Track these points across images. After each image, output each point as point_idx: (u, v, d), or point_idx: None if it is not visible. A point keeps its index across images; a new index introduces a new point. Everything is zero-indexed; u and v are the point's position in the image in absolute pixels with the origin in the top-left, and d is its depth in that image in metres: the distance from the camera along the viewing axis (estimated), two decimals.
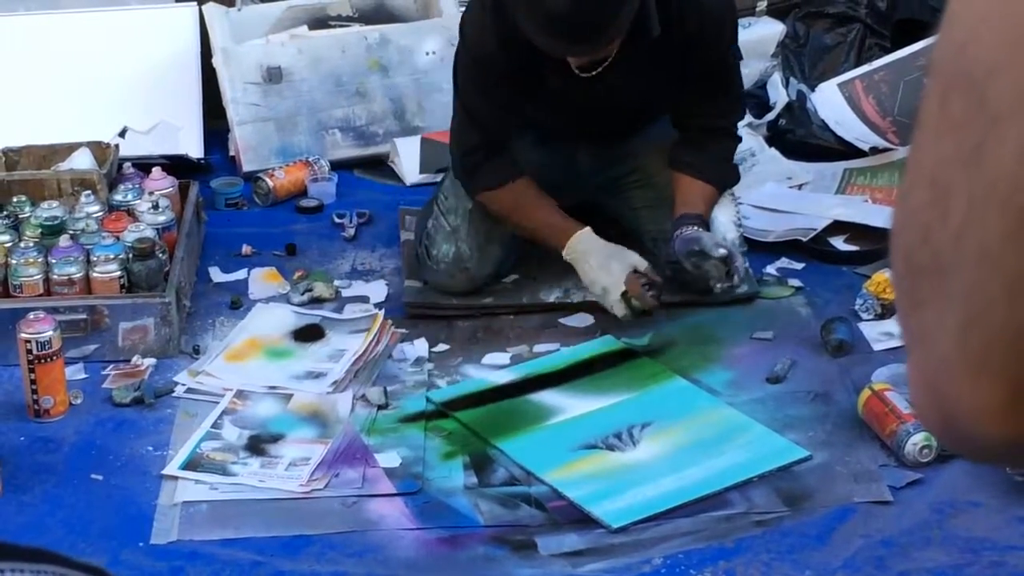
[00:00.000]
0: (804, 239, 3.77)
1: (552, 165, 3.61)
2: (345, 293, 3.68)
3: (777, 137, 4.27)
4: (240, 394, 3.24)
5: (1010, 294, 0.58)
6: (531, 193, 3.47)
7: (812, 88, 4.33)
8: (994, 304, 0.58)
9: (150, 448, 3.09)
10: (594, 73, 3.35)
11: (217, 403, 3.22)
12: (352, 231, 3.96)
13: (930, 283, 0.61)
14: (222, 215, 4.07)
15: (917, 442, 2.91)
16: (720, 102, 3.53)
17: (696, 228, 3.39)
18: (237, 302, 3.63)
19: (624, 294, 3.32)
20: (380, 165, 4.34)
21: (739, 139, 3.65)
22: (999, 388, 0.59)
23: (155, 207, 3.65)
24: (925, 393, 0.63)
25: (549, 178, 3.60)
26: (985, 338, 0.59)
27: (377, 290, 3.69)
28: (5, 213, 3.63)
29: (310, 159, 4.24)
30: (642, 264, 3.35)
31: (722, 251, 3.34)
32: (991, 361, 0.59)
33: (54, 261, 3.42)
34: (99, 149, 3.90)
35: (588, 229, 3.41)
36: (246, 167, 4.28)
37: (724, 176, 3.57)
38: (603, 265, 3.36)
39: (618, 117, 3.54)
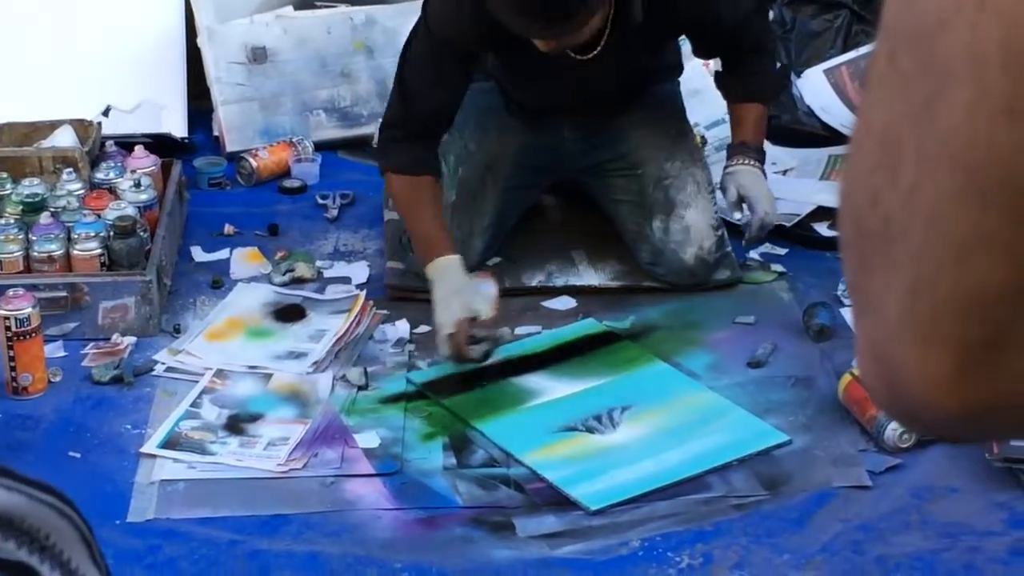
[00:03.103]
0: (788, 224, 3.76)
1: (537, 148, 3.60)
2: (327, 274, 3.67)
3: None
4: (220, 373, 3.23)
5: (959, 257, 0.56)
6: (428, 195, 3.29)
7: (798, 74, 4.32)
8: (942, 268, 0.57)
9: (128, 426, 3.07)
10: (578, 58, 3.33)
11: (197, 382, 3.21)
12: (335, 212, 3.96)
13: (879, 248, 0.59)
14: (205, 195, 4.06)
15: (897, 427, 2.91)
16: (751, 54, 3.54)
17: (748, 163, 3.48)
18: (218, 282, 3.62)
19: (452, 336, 3.13)
20: (364, 146, 4.33)
21: (778, 51, 3.70)
22: (947, 355, 0.58)
23: (137, 185, 3.64)
24: (872, 362, 0.61)
25: (533, 161, 3.60)
26: (933, 303, 0.57)
27: (359, 271, 3.68)
28: None
29: (294, 139, 4.23)
30: (485, 313, 3.15)
31: (738, 216, 3.51)
32: (939, 327, 0.57)
33: (34, 238, 3.40)
34: (81, 127, 3.88)
35: (456, 257, 3.22)
36: (230, 147, 4.26)
37: (769, 90, 3.64)
38: (446, 299, 3.15)
39: (604, 97, 3.53)
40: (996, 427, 0.63)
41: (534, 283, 3.59)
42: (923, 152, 0.57)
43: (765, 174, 3.53)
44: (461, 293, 3.16)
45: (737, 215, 3.53)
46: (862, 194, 0.60)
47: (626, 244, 3.61)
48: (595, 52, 3.31)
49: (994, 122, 0.55)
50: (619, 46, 3.31)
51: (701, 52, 3.67)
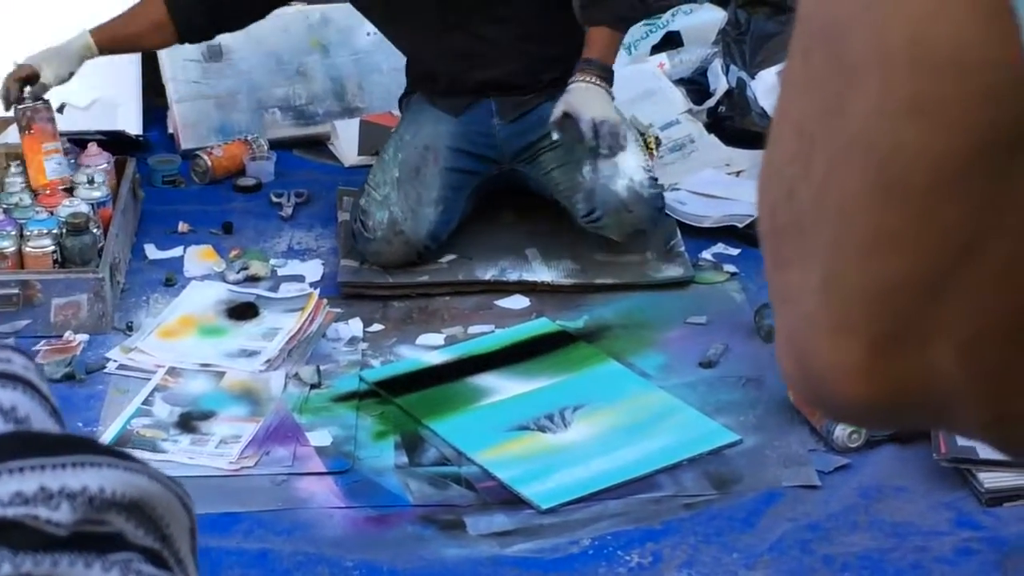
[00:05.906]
0: (740, 225, 3.78)
1: (468, 136, 3.68)
2: (281, 272, 3.67)
3: (716, 124, 4.28)
4: (172, 371, 3.23)
5: (865, 252, 0.57)
6: (148, 11, 3.71)
7: (752, 76, 4.34)
8: (851, 262, 0.58)
9: (80, 424, 3.06)
10: None
11: (149, 380, 3.20)
12: (289, 210, 3.96)
13: (794, 241, 0.60)
14: (159, 192, 4.05)
15: (846, 427, 2.93)
16: None
17: (586, 80, 3.46)
18: (172, 279, 3.61)
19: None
20: (319, 145, 4.33)
21: None
22: (856, 346, 0.59)
23: (90, 182, 3.63)
24: (788, 350, 0.62)
25: (467, 147, 3.69)
26: (843, 296, 0.59)
27: (313, 269, 3.69)
28: None
29: (249, 138, 4.22)
30: (45, 77, 3.60)
31: (555, 137, 3.51)
32: (848, 319, 0.59)
33: None
34: None
35: (86, 35, 3.65)
36: (184, 145, 4.26)
37: (625, 16, 3.63)
38: (44, 53, 3.66)
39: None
40: (906, 416, 0.64)
41: (487, 277, 3.60)
42: (833, 147, 0.58)
43: (611, 94, 3.51)
44: (51, 55, 3.65)
45: (555, 136, 3.52)
46: (778, 186, 0.61)
47: (561, 208, 3.63)
48: None
49: (898, 120, 0.56)
50: None
51: None
